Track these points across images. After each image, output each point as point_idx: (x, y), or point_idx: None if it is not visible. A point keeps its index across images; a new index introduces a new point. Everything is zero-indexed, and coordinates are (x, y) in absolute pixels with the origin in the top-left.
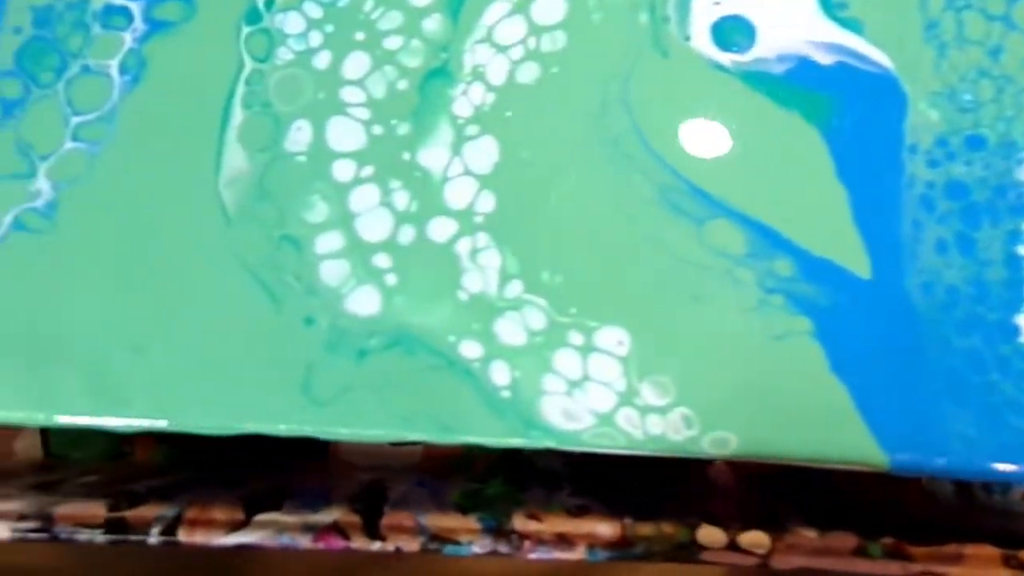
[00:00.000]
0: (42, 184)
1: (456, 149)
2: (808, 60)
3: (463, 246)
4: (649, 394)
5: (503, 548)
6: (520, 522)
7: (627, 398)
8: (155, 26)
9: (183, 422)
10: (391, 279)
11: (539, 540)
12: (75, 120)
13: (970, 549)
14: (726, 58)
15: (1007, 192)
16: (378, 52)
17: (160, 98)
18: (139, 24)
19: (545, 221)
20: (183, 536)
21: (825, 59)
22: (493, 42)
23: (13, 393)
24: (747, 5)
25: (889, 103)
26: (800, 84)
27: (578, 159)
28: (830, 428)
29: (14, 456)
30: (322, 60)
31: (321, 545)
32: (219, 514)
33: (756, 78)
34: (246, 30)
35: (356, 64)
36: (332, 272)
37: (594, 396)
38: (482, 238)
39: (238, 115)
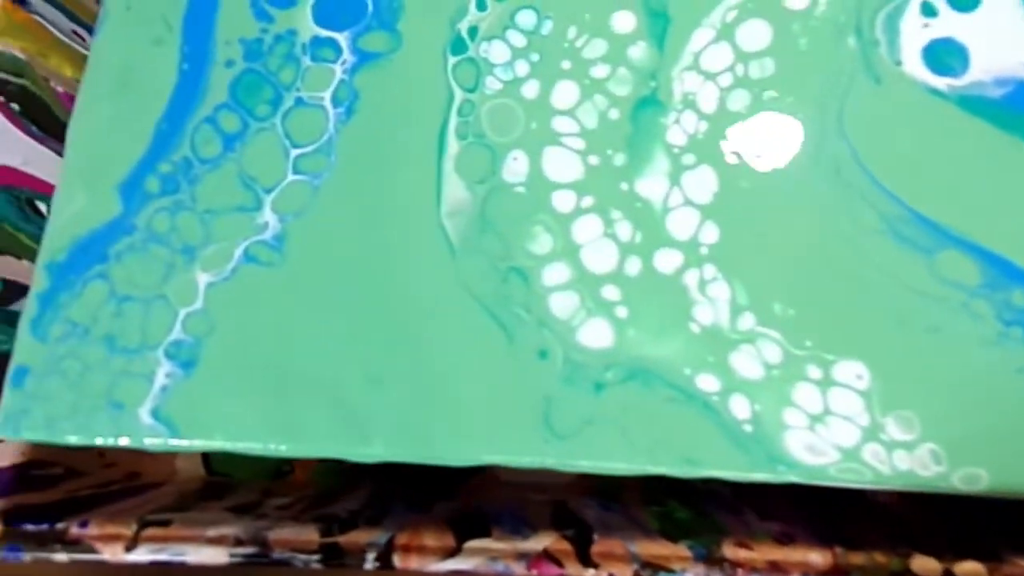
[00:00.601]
0: (268, 216)
1: (674, 179)
2: None
3: (691, 278)
4: (894, 429)
5: None
6: (730, 550)
7: (872, 433)
8: (363, 57)
9: (425, 454)
10: (622, 311)
11: (752, 568)
12: (294, 152)
13: None
14: (941, 82)
15: None
16: (586, 81)
17: (375, 129)
18: (348, 56)
19: (771, 252)
20: (398, 562)
21: None
22: (701, 69)
23: (255, 424)
24: (957, 27)
25: None
26: (1020, 108)
27: (799, 188)
28: None
29: (176, 474)
30: (531, 90)
31: (535, 573)
32: (430, 540)
33: (974, 103)
34: (453, 60)
35: (565, 93)
36: (562, 304)
37: (837, 431)
38: (709, 270)
39: (453, 145)
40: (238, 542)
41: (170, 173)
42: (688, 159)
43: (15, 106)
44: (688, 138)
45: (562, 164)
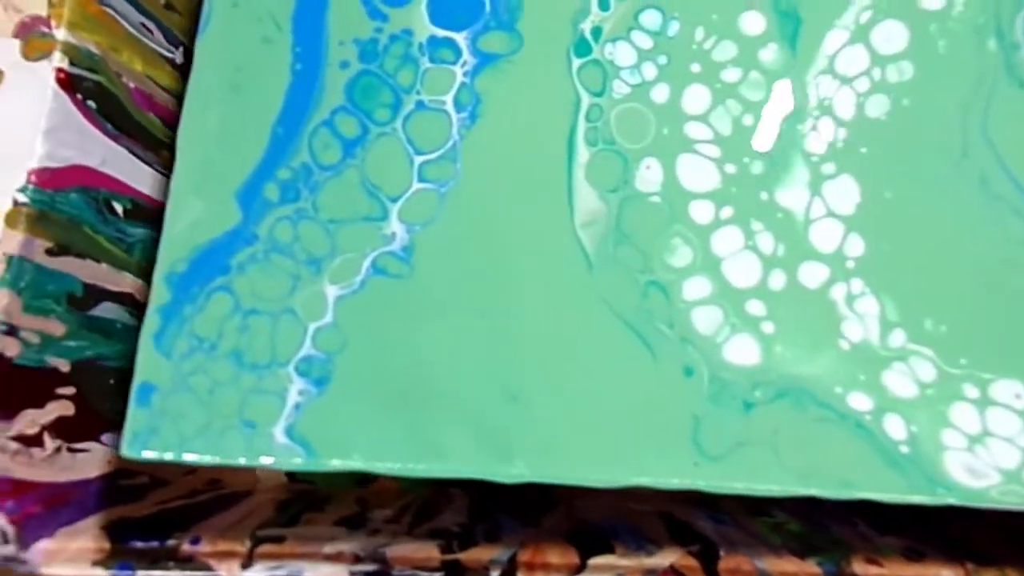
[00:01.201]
0: (396, 226)
1: (815, 189)
2: None
3: (838, 292)
4: None
5: None
6: (860, 567)
7: None
8: (484, 59)
9: (570, 475)
10: (768, 327)
11: None
12: (419, 159)
13: None
14: None
15: None
16: (717, 85)
17: (500, 135)
18: (468, 57)
19: (919, 266)
20: None
21: None
22: (836, 73)
23: (392, 443)
24: None
25: None
26: None
27: (945, 199)
28: None
29: (259, 482)
30: (660, 94)
31: None
32: (554, 557)
33: None
34: (577, 62)
35: (696, 98)
36: (705, 319)
37: (997, 452)
38: (856, 284)
39: (583, 153)
40: (356, 559)
41: (290, 180)
42: (828, 168)
43: (92, 104)
44: (827, 146)
45: (698, 172)
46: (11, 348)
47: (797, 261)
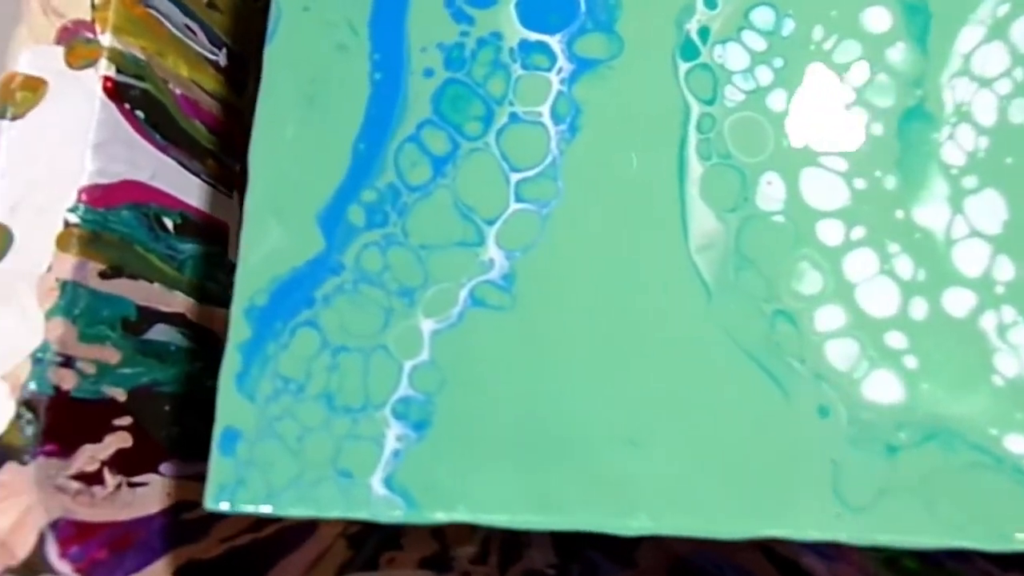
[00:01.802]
0: (494, 252)
1: (956, 205)
2: None
3: (988, 322)
4: None
5: None
6: None
7: None
8: (582, 64)
9: (699, 527)
10: (911, 361)
11: None
12: (515, 177)
13: None
14: None
15: None
16: None
17: (604, 149)
18: (563, 63)
19: None
20: None
21: None
22: (973, 75)
23: (501, 492)
24: None
25: None
26: None
27: None
28: None
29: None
30: (777, 101)
31: None
32: None
33: None
34: (684, 66)
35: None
36: (840, 353)
37: None
38: (1008, 312)
39: (696, 168)
40: None
41: (376, 202)
42: (969, 182)
43: (140, 113)
44: (967, 156)
45: (824, 188)
46: (68, 381)
47: (940, 287)
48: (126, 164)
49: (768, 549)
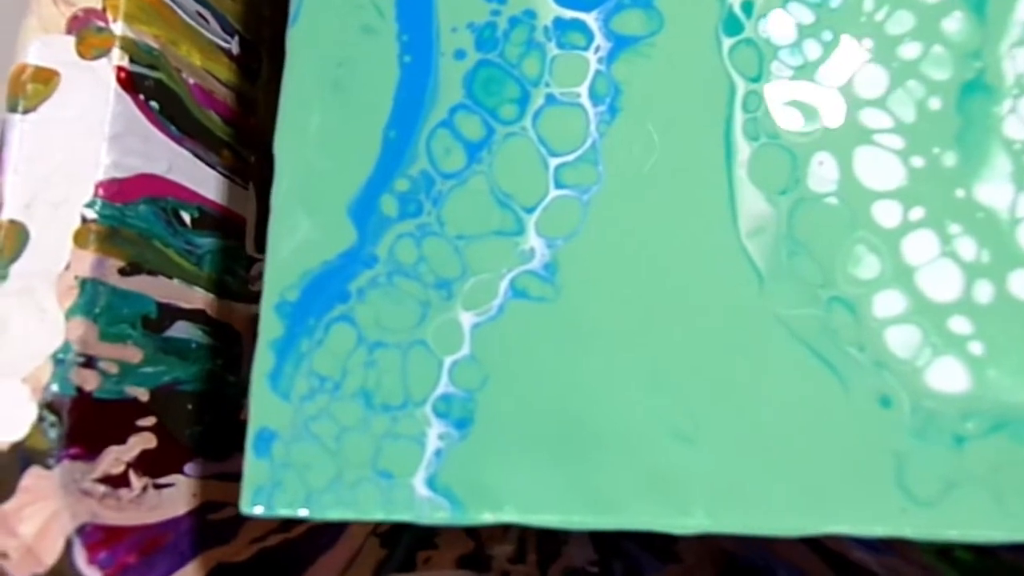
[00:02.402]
0: (534, 241)
1: (1020, 182)
2: None
3: None
4: None
5: None
6: None
7: None
8: (620, 42)
9: (757, 524)
10: (976, 348)
11: None
12: (554, 162)
13: None
14: None
15: None
16: (895, 64)
17: (645, 131)
18: (601, 41)
19: None
20: None
21: None
22: None
23: (549, 491)
24: None
25: None
26: None
27: None
28: None
29: None
30: (827, 77)
31: None
32: None
33: None
34: (727, 42)
35: (871, 80)
36: (901, 340)
37: None
38: None
39: (743, 149)
40: None
41: (409, 191)
42: None
43: (154, 104)
44: None
45: (879, 168)
46: (90, 381)
47: (1005, 269)
48: (142, 157)
49: (815, 542)
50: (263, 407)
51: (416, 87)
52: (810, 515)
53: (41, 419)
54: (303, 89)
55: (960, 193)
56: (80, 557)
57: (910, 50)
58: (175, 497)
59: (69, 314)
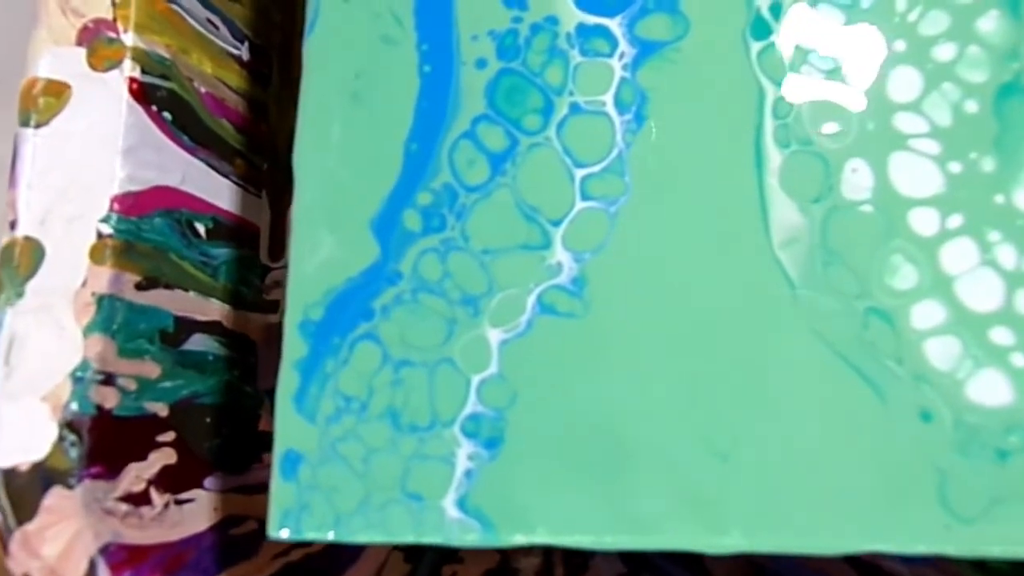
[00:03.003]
0: (561, 255)
1: None
2: None
3: None
4: None
5: None
6: None
7: None
8: (645, 48)
9: (796, 543)
10: (1019, 359)
11: None
12: (580, 173)
13: None
14: None
15: None
16: (929, 66)
17: (673, 140)
18: (625, 47)
19: None
20: None
21: None
22: None
23: (582, 511)
24: None
25: None
26: None
27: None
28: None
29: None
30: (859, 80)
31: None
32: None
33: None
34: (756, 46)
35: (905, 82)
36: (941, 352)
37: None
38: None
39: (774, 156)
40: None
41: (432, 205)
42: None
43: (167, 115)
44: None
45: (915, 174)
46: (110, 399)
47: None
48: (156, 169)
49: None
50: (289, 429)
51: (437, 98)
52: (850, 534)
53: (62, 438)
54: (322, 101)
55: (999, 199)
56: None
57: (945, 51)
58: (196, 512)
59: (87, 331)
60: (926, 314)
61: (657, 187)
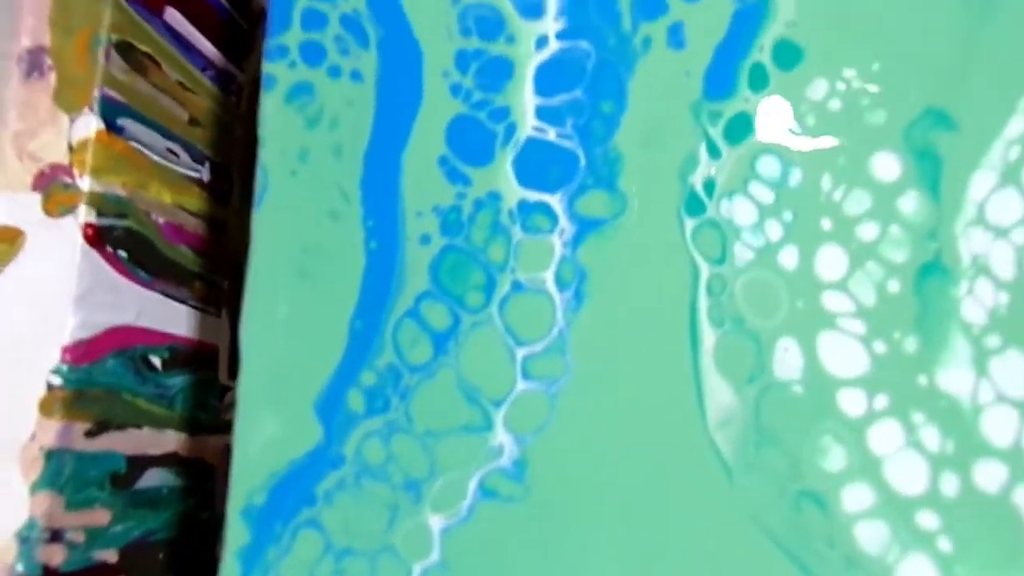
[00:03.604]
0: (502, 437)
1: (980, 368)
2: None
3: (1021, 497)
4: None
5: None
6: None
7: None
8: (584, 225)
9: None
10: (944, 544)
11: None
12: (521, 352)
13: None
14: None
15: None
16: (853, 245)
17: (612, 318)
18: (565, 223)
19: None
20: None
21: None
22: (988, 224)
23: None
24: None
25: None
26: None
27: None
28: None
29: None
30: (789, 258)
31: None
32: None
33: None
34: (690, 223)
35: (831, 261)
36: (870, 536)
37: None
38: None
39: (709, 336)
40: None
41: (376, 386)
42: (992, 341)
43: (123, 253)
44: (988, 313)
45: (843, 354)
46: (56, 556)
47: (970, 459)
48: (110, 310)
49: None
50: None
51: (382, 274)
52: None
53: None
54: (269, 277)
55: (923, 380)
56: None
57: (868, 231)
58: None
59: (34, 488)
60: (856, 497)
61: (596, 367)
